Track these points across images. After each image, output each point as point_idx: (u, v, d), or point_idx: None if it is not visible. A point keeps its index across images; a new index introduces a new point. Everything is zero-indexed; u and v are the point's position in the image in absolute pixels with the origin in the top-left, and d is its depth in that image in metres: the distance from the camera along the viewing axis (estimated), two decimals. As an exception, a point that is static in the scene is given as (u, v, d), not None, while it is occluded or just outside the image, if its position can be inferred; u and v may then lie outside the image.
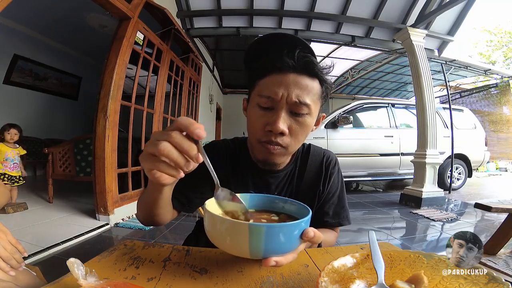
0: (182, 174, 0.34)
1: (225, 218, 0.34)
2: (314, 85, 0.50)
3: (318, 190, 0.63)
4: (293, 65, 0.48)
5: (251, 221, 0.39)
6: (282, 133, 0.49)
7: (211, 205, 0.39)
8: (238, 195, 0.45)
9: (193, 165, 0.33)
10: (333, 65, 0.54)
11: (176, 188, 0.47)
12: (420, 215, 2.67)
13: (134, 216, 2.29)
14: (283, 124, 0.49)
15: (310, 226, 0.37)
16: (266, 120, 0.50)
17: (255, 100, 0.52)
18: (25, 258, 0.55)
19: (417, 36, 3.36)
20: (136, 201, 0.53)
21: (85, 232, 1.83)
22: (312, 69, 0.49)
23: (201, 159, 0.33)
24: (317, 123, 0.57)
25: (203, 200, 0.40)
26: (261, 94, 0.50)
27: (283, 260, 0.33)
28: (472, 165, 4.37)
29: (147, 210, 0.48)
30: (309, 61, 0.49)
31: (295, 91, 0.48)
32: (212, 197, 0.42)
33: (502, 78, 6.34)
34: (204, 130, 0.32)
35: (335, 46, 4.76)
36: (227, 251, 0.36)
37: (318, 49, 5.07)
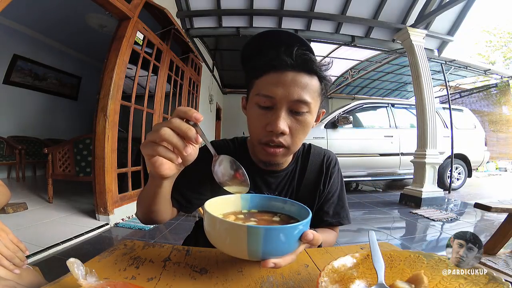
0: (180, 160, 0.35)
1: (224, 219, 0.34)
2: (313, 82, 0.49)
3: (318, 190, 0.63)
4: (292, 63, 0.47)
5: (250, 223, 0.39)
6: (282, 133, 0.49)
7: (211, 206, 0.39)
8: (238, 195, 0.45)
9: (191, 149, 0.35)
10: (332, 62, 0.54)
11: (175, 188, 0.47)
12: (420, 215, 2.67)
13: (134, 216, 2.29)
14: (283, 124, 0.48)
15: (310, 226, 0.37)
16: (266, 120, 0.50)
17: (254, 100, 0.52)
18: (27, 257, 0.55)
19: (417, 36, 3.36)
20: (136, 201, 0.52)
21: (85, 232, 1.83)
22: (311, 66, 0.49)
23: (200, 140, 0.34)
24: (317, 119, 0.57)
25: (203, 202, 0.41)
26: (260, 94, 0.50)
27: (281, 262, 0.33)
28: (472, 165, 4.37)
29: (146, 207, 0.48)
30: (307, 58, 0.48)
31: (295, 90, 0.47)
32: (211, 197, 0.43)
33: (501, 78, 6.34)
34: (202, 115, 0.35)
35: (335, 46, 4.76)
36: (225, 252, 0.36)
37: (318, 49, 5.07)
